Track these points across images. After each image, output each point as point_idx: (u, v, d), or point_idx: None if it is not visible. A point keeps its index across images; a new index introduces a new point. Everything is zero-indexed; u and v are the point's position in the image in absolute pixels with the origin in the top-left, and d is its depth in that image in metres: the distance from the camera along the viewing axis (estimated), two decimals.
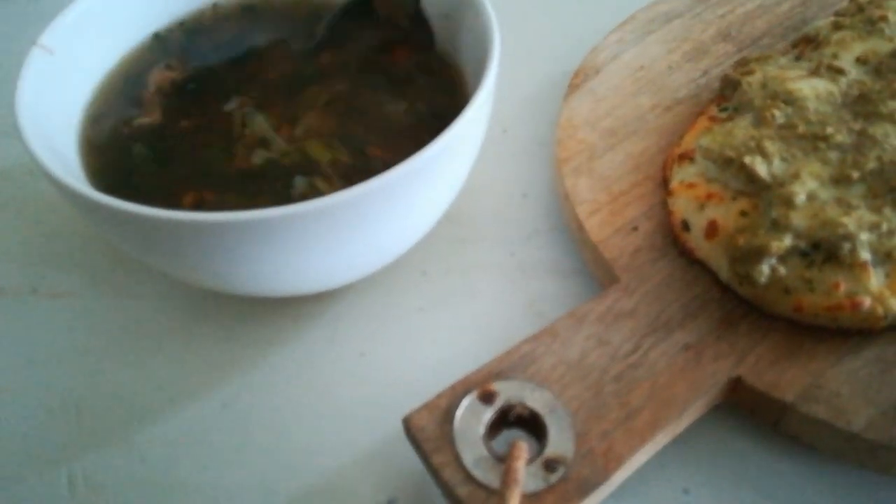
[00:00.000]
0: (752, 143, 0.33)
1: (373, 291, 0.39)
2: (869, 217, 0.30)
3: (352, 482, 0.32)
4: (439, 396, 0.30)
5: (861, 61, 0.37)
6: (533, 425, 0.30)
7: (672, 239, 0.35)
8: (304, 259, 0.29)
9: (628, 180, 0.38)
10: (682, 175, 0.35)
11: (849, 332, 0.31)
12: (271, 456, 0.33)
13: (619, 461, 0.28)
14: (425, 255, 0.40)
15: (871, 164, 0.31)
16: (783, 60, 0.38)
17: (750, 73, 0.38)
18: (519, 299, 0.38)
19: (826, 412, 0.29)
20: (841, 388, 0.29)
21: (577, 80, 0.43)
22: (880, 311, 0.29)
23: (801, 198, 0.31)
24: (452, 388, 0.30)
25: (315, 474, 0.32)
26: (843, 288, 0.30)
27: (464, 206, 0.43)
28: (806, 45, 0.40)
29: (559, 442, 0.29)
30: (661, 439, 0.30)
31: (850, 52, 0.37)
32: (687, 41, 0.45)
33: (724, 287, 0.33)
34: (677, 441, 0.32)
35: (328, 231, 0.27)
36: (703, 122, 0.37)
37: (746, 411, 0.31)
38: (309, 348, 0.37)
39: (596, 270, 0.36)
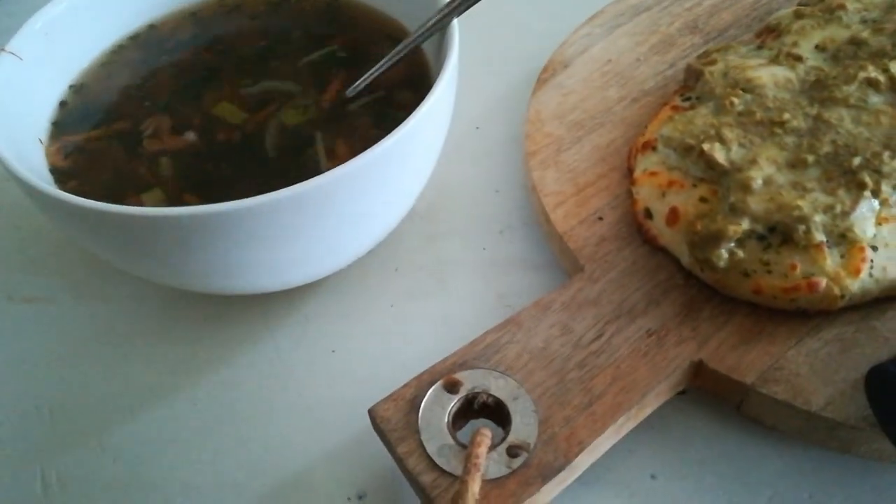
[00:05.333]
0: (712, 131, 0.33)
1: (344, 289, 0.39)
2: (823, 199, 0.30)
3: (322, 477, 0.32)
4: (405, 387, 0.30)
5: (820, 49, 0.37)
6: (497, 413, 0.30)
7: (636, 227, 0.35)
8: (262, 254, 0.29)
9: (594, 171, 0.38)
10: (645, 164, 0.35)
11: (808, 313, 0.31)
12: (242, 453, 0.34)
13: (580, 446, 0.28)
14: (397, 252, 0.41)
15: (826, 148, 0.32)
16: (744, 50, 0.39)
17: (712, 62, 0.38)
18: (490, 293, 0.39)
19: (785, 392, 0.29)
20: (800, 368, 0.30)
21: (546, 75, 0.43)
22: (836, 290, 0.30)
23: (757, 182, 0.31)
24: (417, 378, 0.30)
25: (285, 470, 0.33)
26: (799, 269, 0.30)
27: (437, 202, 0.43)
28: (768, 34, 0.40)
29: (522, 428, 0.29)
30: (624, 424, 0.30)
31: (809, 41, 0.38)
32: (655, 34, 0.45)
33: (686, 273, 0.33)
34: (645, 427, 0.32)
35: (281, 227, 0.28)
36: (665, 112, 0.37)
37: (710, 395, 0.32)
38: (280, 346, 0.37)
39: (563, 261, 0.36)
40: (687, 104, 0.37)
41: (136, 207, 0.27)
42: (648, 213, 0.34)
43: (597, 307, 0.32)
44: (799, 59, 0.36)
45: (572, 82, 0.43)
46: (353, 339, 0.37)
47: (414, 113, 0.29)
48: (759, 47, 0.39)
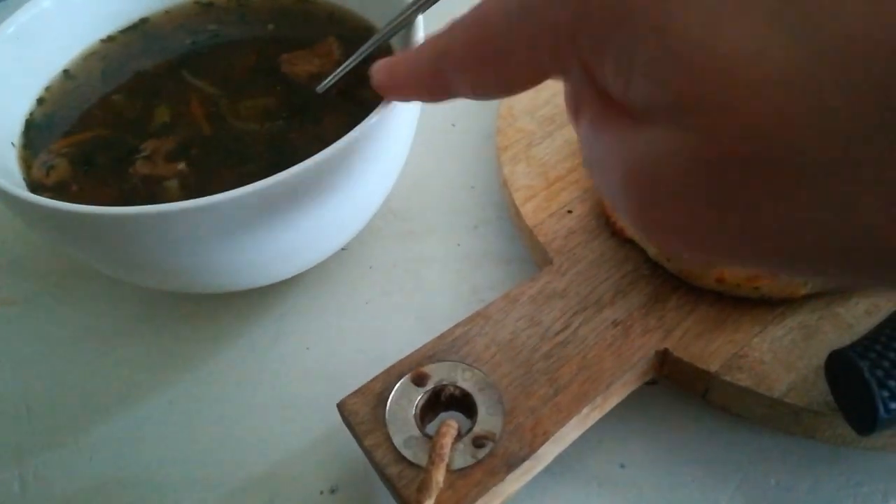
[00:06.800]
0: None
1: (319, 286, 0.39)
2: None
3: (295, 472, 0.33)
4: (373, 381, 0.31)
5: None
6: (465, 405, 0.30)
7: (604, 220, 0.35)
8: (231, 253, 0.29)
9: (564, 166, 0.38)
10: None
11: (772, 301, 0.31)
12: (217, 450, 0.34)
13: (545, 436, 0.29)
14: (372, 250, 0.41)
15: None
16: None
17: None
18: (464, 288, 0.39)
19: (749, 379, 0.29)
20: (764, 356, 0.30)
21: None
22: (795, 281, 0.30)
23: None
24: (386, 372, 0.31)
25: (259, 466, 0.33)
26: None
27: (412, 199, 0.44)
28: None
29: (488, 419, 0.29)
30: (590, 414, 0.30)
31: None
32: None
33: (653, 264, 0.33)
34: (614, 417, 0.32)
35: (245, 225, 0.28)
36: None
37: (677, 384, 0.32)
38: (255, 344, 0.37)
39: (534, 255, 0.37)
40: None
41: (104, 207, 0.27)
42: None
43: (564, 299, 0.33)
44: None
45: None
46: (328, 336, 0.37)
47: (376, 109, 0.30)
48: None
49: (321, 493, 0.32)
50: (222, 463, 0.33)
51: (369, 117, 0.29)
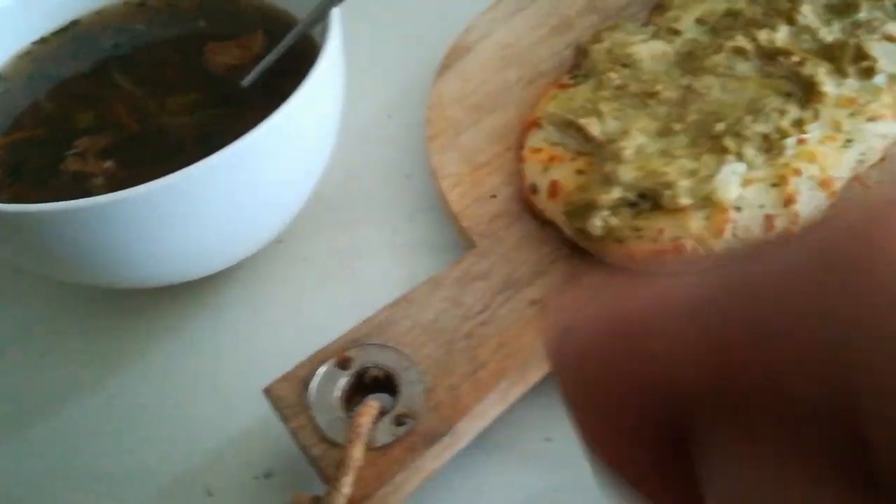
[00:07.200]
0: (589, 106, 0.35)
1: (254, 279, 0.40)
2: (689, 165, 0.32)
3: (231, 459, 0.34)
4: (299, 366, 0.32)
5: (701, 22, 0.39)
6: (389, 386, 0.31)
7: (525, 203, 0.36)
8: (152, 246, 0.30)
9: (491, 151, 0.39)
10: (532, 141, 0.37)
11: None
12: (157, 442, 0.35)
13: (464, 412, 0.30)
14: (308, 242, 0.42)
15: (693, 116, 0.33)
16: (632, 27, 0.40)
17: (600, 41, 0.39)
18: (399, 277, 0.40)
19: None
20: None
21: (449, 61, 0.45)
22: (702, 252, 0.31)
23: (628, 152, 0.33)
24: (311, 358, 0.32)
25: (197, 455, 0.34)
26: (667, 233, 0.31)
27: (348, 189, 0.44)
28: (657, 11, 0.42)
29: (410, 398, 0.30)
30: (509, 390, 0.31)
31: (690, 14, 0.39)
32: (554, 16, 0.46)
33: (572, 244, 0.35)
34: (542, 394, 0.34)
35: (162, 217, 0.29)
36: (552, 91, 0.38)
37: None
38: (193, 337, 0.38)
39: (461, 240, 0.38)
40: (573, 82, 0.38)
41: (21, 206, 0.28)
42: (534, 189, 0.35)
43: (486, 281, 0.34)
44: (677, 32, 0.38)
45: (474, 66, 0.44)
46: (264, 327, 0.38)
47: (287, 101, 0.30)
48: (646, 24, 0.41)
49: (256, 478, 0.33)
50: (161, 454, 0.34)
51: (278, 110, 0.30)
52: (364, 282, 0.40)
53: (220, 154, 0.29)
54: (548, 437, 0.33)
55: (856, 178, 0.34)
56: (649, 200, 0.32)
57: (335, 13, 0.34)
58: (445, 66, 0.44)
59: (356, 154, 0.46)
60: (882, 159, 0.35)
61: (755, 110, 0.32)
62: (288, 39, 0.35)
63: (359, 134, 0.48)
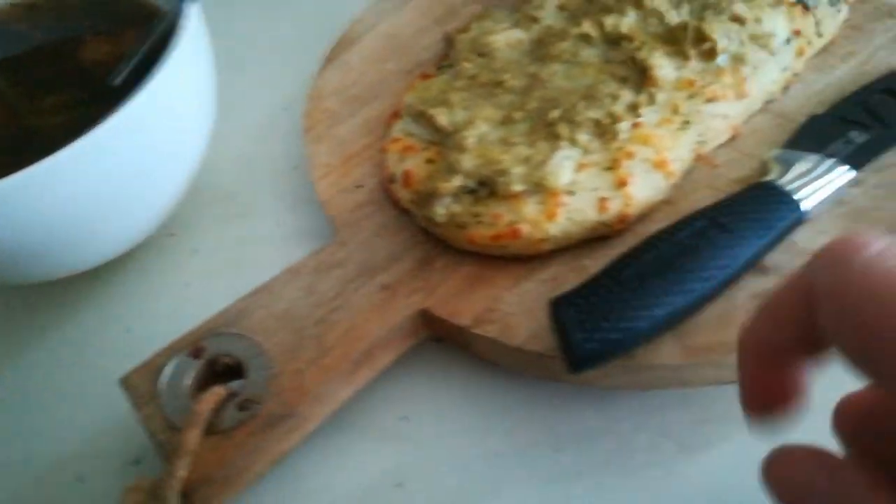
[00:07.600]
0: (442, 96, 0.36)
1: (142, 271, 0.41)
2: (525, 152, 0.33)
3: (103, 448, 0.35)
4: (156, 356, 0.33)
5: (561, 9, 0.39)
6: (240, 374, 0.32)
7: (387, 192, 0.37)
8: (25, 238, 0.32)
9: (362, 142, 0.40)
10: (393, 132, 0.38)
11: (523, 258, 0.34)
12: (39, 432, 0.36)
13: (306, 395, 0.31)
14: (196, 234, 0.43)
15: (534, 104, 0.34)
16: (500, 15, 0.41)
17: (467, 30, 0.40)
18: (281, 267, 0.41)
19: (496, 331, 0.32)
20: (512, 308, 0.32)
21: (335, 53, 0.46)
22: (537, 235, 0.32)
23: (470, 141, 0.34)
24: (168, 348, 0.33)
25: (70, 444, 0.35)
26: (504, 218, 0.32)
27: (239, 182, 0.46)
28: None
29: (256, 384, 0.32)
30: (357, 372, 0.33)
31: (553, 1, 0.40)
32: (441, 5, 0.47)
33: (426, 231, 0.36)
34: (401, 375, 0.35)
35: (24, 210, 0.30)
36: (416, 81, 0.39)
37: (448, 341, 0.34)
38: (79, 329, 0.39)
39: (331, 229, 0.39)
40: (437, 72, 0.39)
41: None
42: (392, 178, 0.37)
43: (343, 268, 0.35)
44: (535, 19, 0.39)
45: (356, 59, 0.45)
46: (149, 318, 0.40)
47: (130, 95, 0.32)
48: (514, 11, 0.41)
49: (125, 464, 0.34)
50: (42, 444, 0.36)
51: (124, 103, 0.31)
52: (248, 272, 0.41)
53: (64, 151, 0.30)
54: (404, 416, 0.35)
55: (700, 158, 0.35)
56: (487, 187, 0.33)
57: (190, 6, 0.35)
58: (330, 59, 0.45)
59: (251, 147, 0.47)
60: (732, 138, 0.37)
61: (589, 96, 0.33)
62: (153, 35, 0.36)
63: (255, 127, 0.49)
